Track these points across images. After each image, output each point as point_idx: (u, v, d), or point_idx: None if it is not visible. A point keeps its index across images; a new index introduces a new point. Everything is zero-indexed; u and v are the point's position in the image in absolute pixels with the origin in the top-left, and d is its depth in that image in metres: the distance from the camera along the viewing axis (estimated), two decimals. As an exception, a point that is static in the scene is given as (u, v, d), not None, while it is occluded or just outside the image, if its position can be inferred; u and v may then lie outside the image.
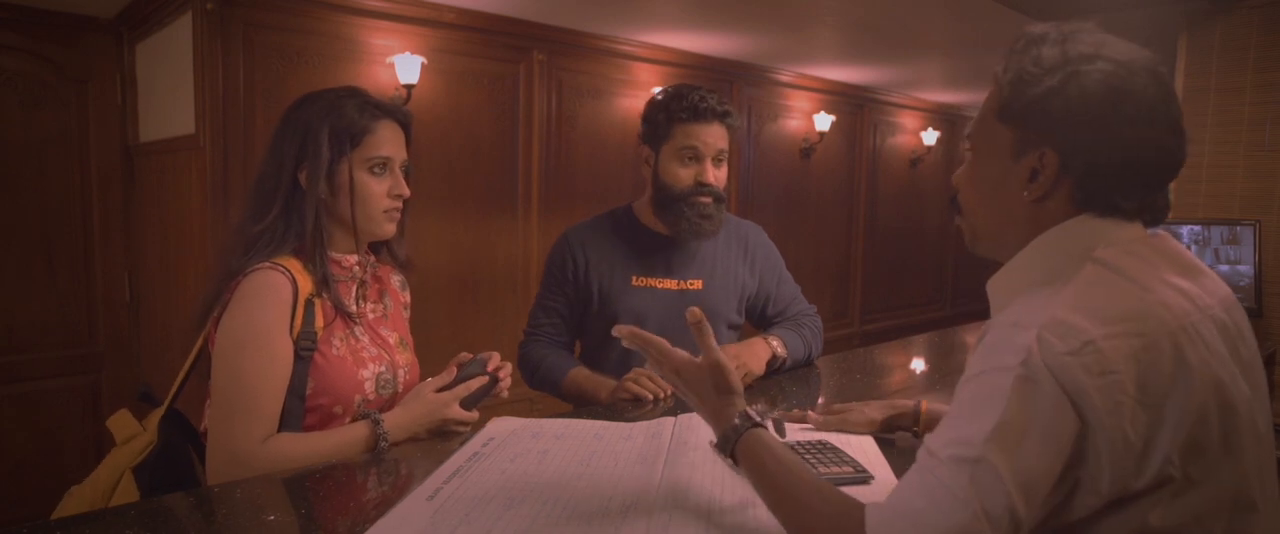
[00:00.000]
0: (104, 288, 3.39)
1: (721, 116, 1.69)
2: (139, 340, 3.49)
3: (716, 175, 1.71)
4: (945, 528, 0.69)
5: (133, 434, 1.27)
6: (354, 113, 1.23)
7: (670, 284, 1.76)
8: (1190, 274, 0.81)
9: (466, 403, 1.29)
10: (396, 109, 1.30)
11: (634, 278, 1.75)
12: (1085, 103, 0.78)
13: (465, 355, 1.35)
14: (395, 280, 1.42)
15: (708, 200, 1.69)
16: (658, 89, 1.77)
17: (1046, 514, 0.73)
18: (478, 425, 1.32)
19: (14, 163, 3.12)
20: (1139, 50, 0.81)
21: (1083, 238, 0.80)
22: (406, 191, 1.30)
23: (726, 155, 1.73)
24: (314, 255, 1.23)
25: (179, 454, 1.24)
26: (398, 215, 1.31)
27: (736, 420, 0.95)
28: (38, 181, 3.18)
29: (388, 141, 1.27)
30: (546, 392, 1.75)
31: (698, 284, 1.77)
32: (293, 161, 1.22)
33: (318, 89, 1.28)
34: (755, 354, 1.67)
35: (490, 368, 1.32)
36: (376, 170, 1.26)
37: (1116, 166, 0.79)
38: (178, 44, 3.01)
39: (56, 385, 3.28)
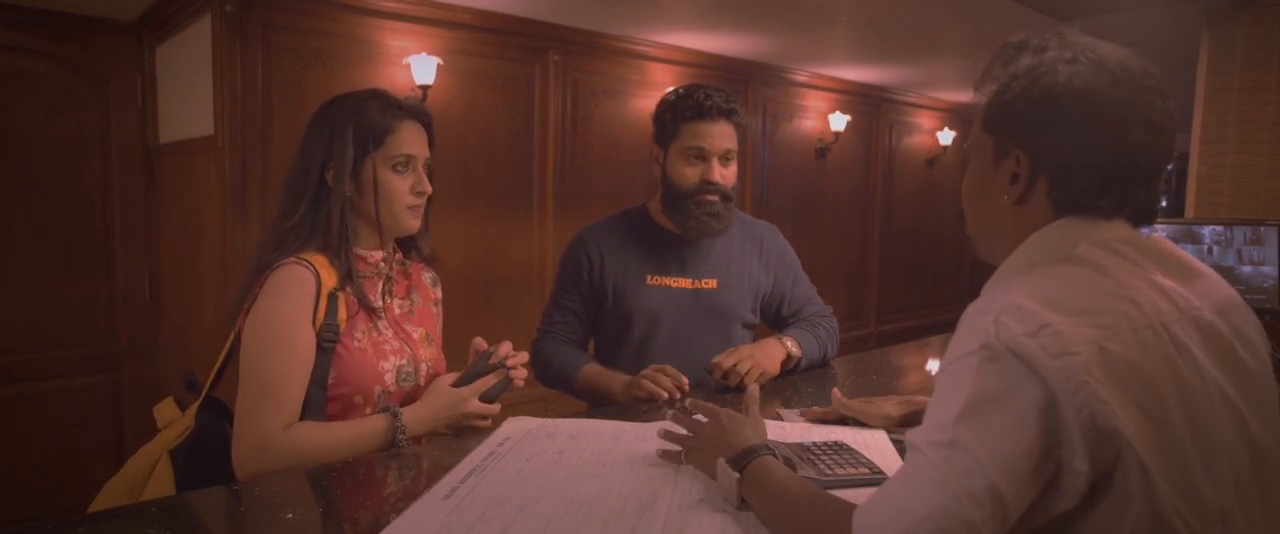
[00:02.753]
0: (124, 287, 3.43)
1: (728, 114, 1.69)
2: (158, 339, 3.52)
3: (723, 174, 1.71)
4: (925, 512, 0.69)
5: (173, 419, 1.34)
6: (377, 113, 1.28)
7: (685, 283, 1.76)
8: (1180, 276, 0.80)
9: (485, 397, 1.31)
10: (418, 108, 1.34)
11: (649, 277, 1.75)
12: (1050, 103, 0.80)
13: (481, 342, 1.37)
14: (427, 277, 1.47)
15: (715, 199, 1.70)
16: (670, 89, 1.78)
17: (1038, 498, 0.72)
18: (494, 425, 1.33)
19: (37, 164, 3.16)
20: (1116, 50, 0.83)
21: (1066, 237, 0.81)
22: (428, 188, 1.34)
23: (735, 154, 1.73)
24: (339, 251, 1.28)
25: (214, 438, 1.30)
26: (420, 211, 1.35)
27: (755, 442, 1.00)
28: (60, 182, 3.23)
29: (410, 140, 1.31)
30: (559, 389, 1.76)
31: (712, 283, 1.77)
32: (319, 161, 1.28)
33: (340, 91, 1.35)
34: (770, 354, 1.66)
35: (496, 358, 1.33)
36: (399, 168, 1.30)
37: (1087, 165, 0.80)
38: (197, 46, 3.05)
39: (78, 384, 3.32)
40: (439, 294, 1.49)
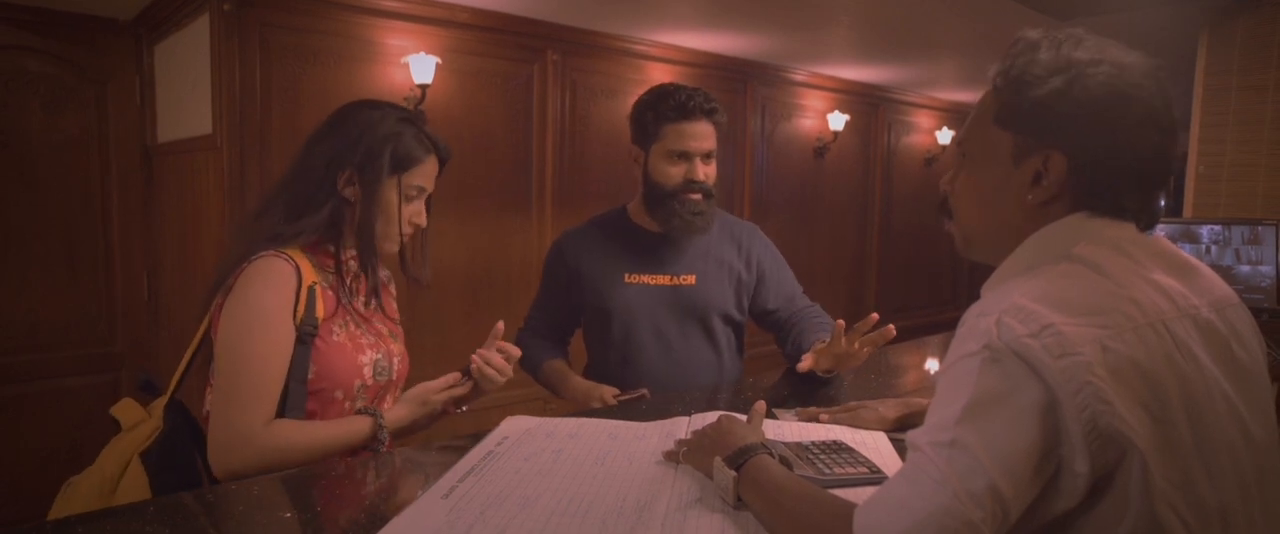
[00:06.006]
0: (123, 287, 3.43)
1: (708, 114, 1.71)
2: (157, 338, 3.52)
3: (706, 172, 1.73)
4: (927, 511, 0.69)
5: (138, 420, 1.30)
6: (411, 142, 1.30)
7: (663, 280, 1.78)
8: (1180, 274, 0.80)
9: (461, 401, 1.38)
10: (443, 146, 1.36)
11: (626, 275, 1.78)
12: (1092, 105, 0.78)
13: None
14: (382, 273, 1.44)
15: (698, 197, 1.72)
16: (647, 89, 1.79)
17: (1038, 498, 0.72)
18: (492, 424, 1.33)
19: (36, 163, 3.16)
20: (1135, 54, 0.82)
21: (1068, 235, 0.80)
22: (424, 222, 1.36)
23: (715, 153, 1.75)
24: (366, 260, 1.30)
25: (183, 439, 1.27)
26: (402, 241, 1.35)
27: (751, 441, 1.00)
28: (59, 182, 3.22)
29: (428, 174, 1.34)
30: (530, 375, 1.86)
31: (691, 279, 1.79)
32: (339, 170, 1.27)
33: (338, 90, 1.33)
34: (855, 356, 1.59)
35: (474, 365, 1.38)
36: (410, 196, 1.32)
37: (1122, 169, 0.79)
38: (195, 45, 3.04)
39: (78, 384, 3.32)
40: (393, 289, 1.49)
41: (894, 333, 1.53)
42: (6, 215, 3.11)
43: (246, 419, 1.17)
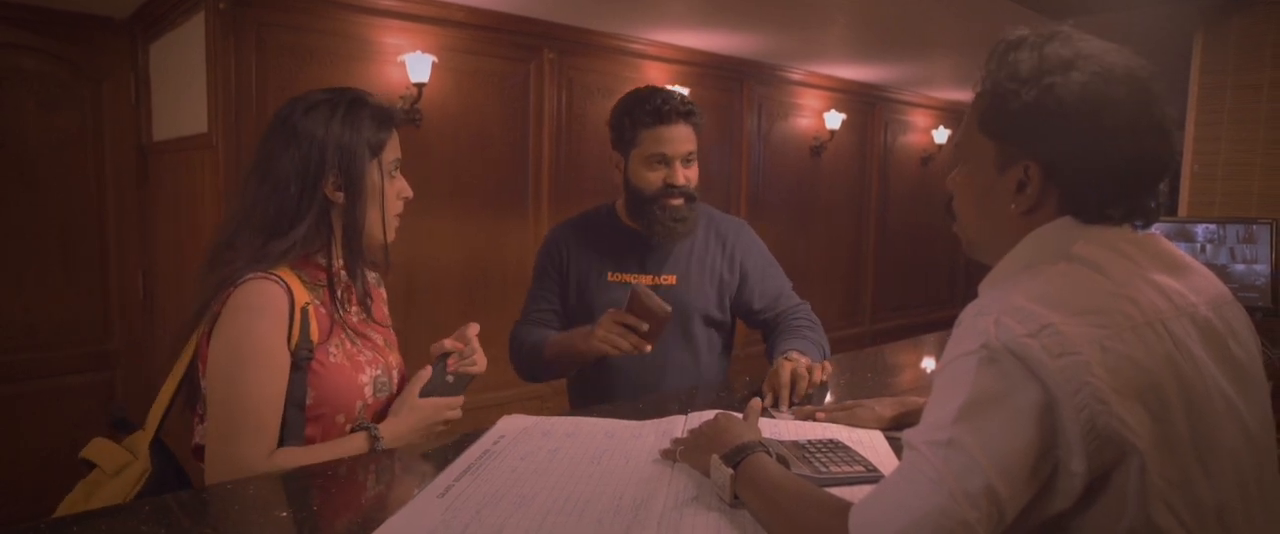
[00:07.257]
0: (119, 286, 3.42)
1: (686, 117, 1.70)
2: (152, 337, 3.52)
3: (687, 175, 1.72)
4: (923, 511, 0.69)
5: (124, 462, 1.21)
6: (374, 122, 1.23)
7: (645, 280, 1.79)
8: (1176, 272, 0.80)
9: (452, 394, 1.31)
10: (397, 112, 1.30)
11: (610, 274, 1.79)
12: (1063, 116, 0.78)
13: (438, 347, 1.34)
14: (371, 277, 1.38)
15: (680, 202, 1.71)
16: (624, 94, 1.77)
17: (1034, 499, 0.73)
18: (488, 423, 1.33)
19: (32, 162, 3.15)
20: (1120, 53, 0.80)
21: (1063, 236, 0.80)
22: (411, 193, 1.30)
23: (695, 155, 1.74)
24: (354, 265, 1.25)
25: (173, 482, 1.20)
26: (397, 221, 1.30)
27: (749, 439, 1.00)
28: (55, 180, 3.22)
29: (397, 144, 1.28)
30: (532, 367, 1.77)
31: (671, 280, 1.79)
32: (316, 173, 1.19)
33: (316, 96, 1.24)
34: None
35: (451, 366, 1.32)
36: (391, 174, 1.26)
37: (1101, 176, 0.79)
38: (190, 43, 3.04)
39: (76, 382, 3.31)
40: (384, 293, 1.42)
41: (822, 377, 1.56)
42: (3, 214, 3.10)
43: (248, 457, 1.11)
